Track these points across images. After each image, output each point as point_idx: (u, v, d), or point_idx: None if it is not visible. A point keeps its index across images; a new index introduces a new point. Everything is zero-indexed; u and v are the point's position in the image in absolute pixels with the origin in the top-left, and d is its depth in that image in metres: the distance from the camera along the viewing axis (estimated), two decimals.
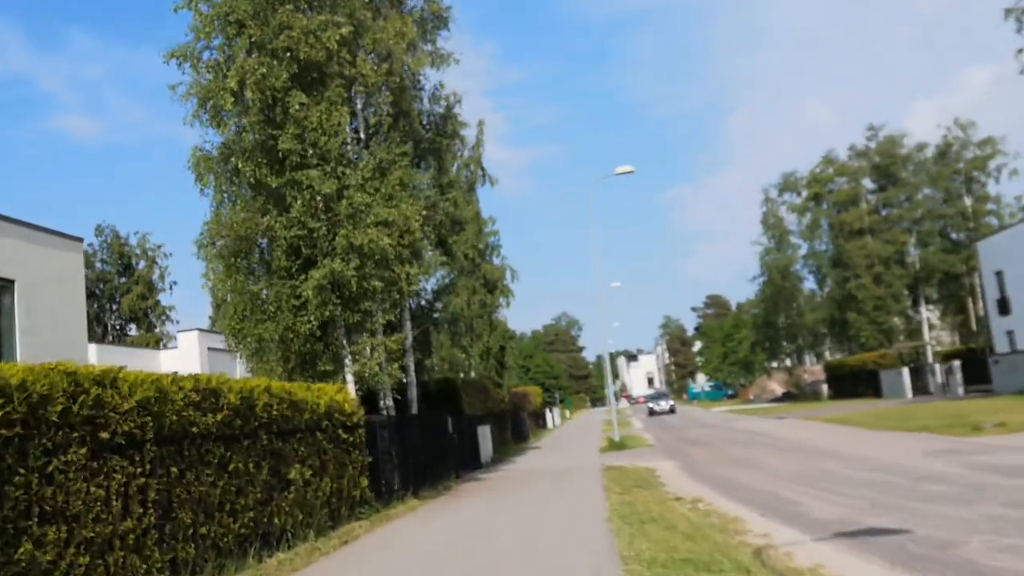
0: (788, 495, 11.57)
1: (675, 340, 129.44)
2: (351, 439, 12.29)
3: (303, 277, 14.28)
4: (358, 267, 14.08)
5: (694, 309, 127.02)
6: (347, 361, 15.03)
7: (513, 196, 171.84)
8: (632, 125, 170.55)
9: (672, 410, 53.91)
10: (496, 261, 37.71)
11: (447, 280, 22.80)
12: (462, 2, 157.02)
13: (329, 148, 14.29)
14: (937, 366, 38.80)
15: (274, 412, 9.72)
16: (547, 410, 57.07)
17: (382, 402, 16.50)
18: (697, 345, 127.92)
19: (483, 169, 35.33)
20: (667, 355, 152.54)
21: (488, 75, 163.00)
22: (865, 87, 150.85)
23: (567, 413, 80.00)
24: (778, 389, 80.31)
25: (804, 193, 56.26)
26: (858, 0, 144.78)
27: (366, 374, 14.79)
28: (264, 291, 14.72)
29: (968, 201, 49.36)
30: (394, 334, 16.12)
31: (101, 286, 43.17)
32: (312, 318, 14.18)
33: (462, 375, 32.10)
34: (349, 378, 14.91)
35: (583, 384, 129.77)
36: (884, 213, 51.09)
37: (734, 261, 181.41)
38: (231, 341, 15.12)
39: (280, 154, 14.14)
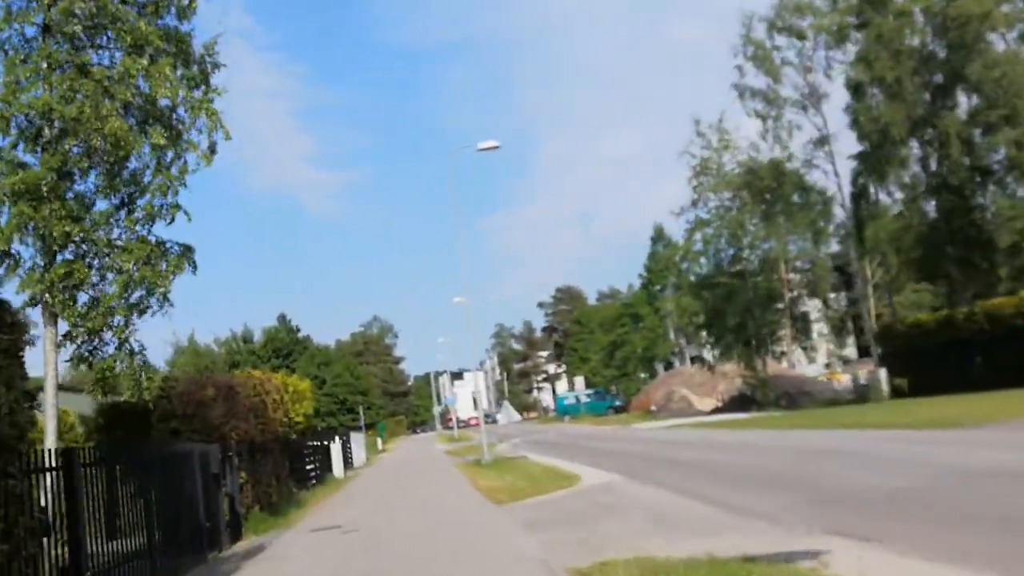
0: None
1: (522, 341, 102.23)
2: None
3: None
4: None
5: (541, 305, 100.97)
6: None
7: (322, 218, 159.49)
8: (443, 152, 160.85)
9: None
10: None
11: None
12: (273, 20, 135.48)
13: None
14: None
15: None
16: (337, 440, 26.43)
17: None
18: (545, 351, 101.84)
19: None
20: (498, 370, 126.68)
21: (299, 96, 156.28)
22: (665, 124, 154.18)
23: (379, 443, 49.44)
24: (693, 397, 54.69)
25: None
26: (657, 40, 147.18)
27: None
28: None
29: None
30: None
31: None
32: None
33: None
34: None
35: (401, 403, 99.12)
36: None
37: (545, 284, 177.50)
38: None
39: None
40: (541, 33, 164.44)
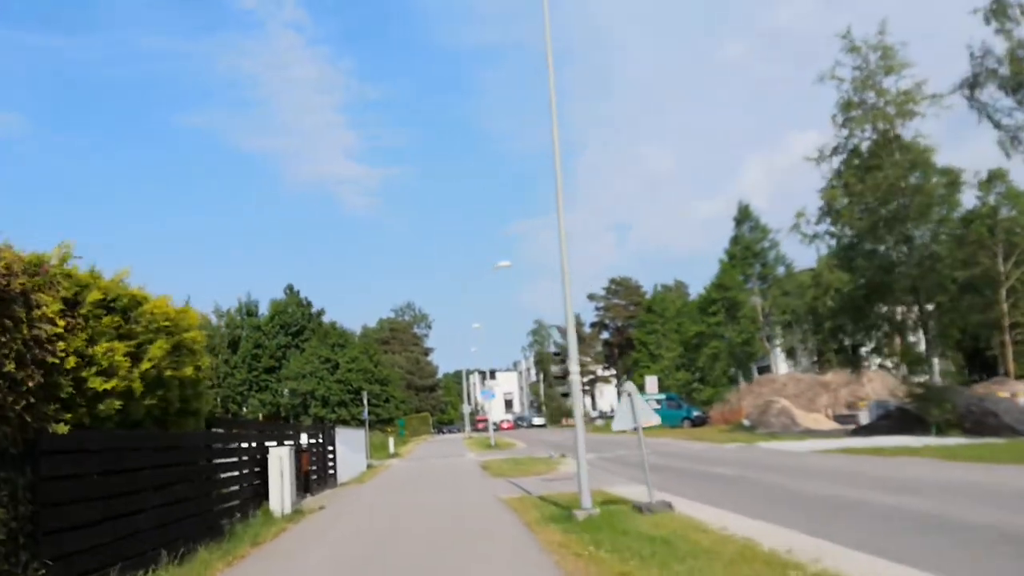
0: None
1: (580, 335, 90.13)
2: None
3: None
4: None
5: (592, 297, 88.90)
6: None
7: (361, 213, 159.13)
8: (485, 154, 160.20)
9: None
10: None
11: None
12: (321, 14, 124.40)
13: None
14: None
15: None
16: (288, 442, 15.04)
17: None
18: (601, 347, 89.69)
19: None
20: (534, 371, 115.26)
21: (346, 90, 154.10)
22: (701, 139, 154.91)
23: (391, 444, 37.92)
24: (796, 411, 42.38)
25: None
26: (699, 59, 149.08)
27: None
28: None
29: None
30: None
31: None
32: None
33: None
34: None
35: (427, 399, 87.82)
36: None
37: (578, 294, 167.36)
38: None
39: None
40: (588, 42, 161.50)
